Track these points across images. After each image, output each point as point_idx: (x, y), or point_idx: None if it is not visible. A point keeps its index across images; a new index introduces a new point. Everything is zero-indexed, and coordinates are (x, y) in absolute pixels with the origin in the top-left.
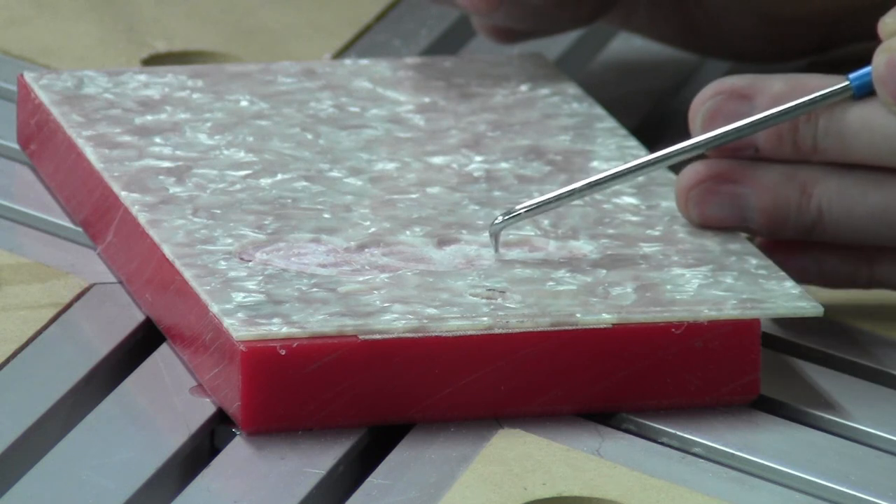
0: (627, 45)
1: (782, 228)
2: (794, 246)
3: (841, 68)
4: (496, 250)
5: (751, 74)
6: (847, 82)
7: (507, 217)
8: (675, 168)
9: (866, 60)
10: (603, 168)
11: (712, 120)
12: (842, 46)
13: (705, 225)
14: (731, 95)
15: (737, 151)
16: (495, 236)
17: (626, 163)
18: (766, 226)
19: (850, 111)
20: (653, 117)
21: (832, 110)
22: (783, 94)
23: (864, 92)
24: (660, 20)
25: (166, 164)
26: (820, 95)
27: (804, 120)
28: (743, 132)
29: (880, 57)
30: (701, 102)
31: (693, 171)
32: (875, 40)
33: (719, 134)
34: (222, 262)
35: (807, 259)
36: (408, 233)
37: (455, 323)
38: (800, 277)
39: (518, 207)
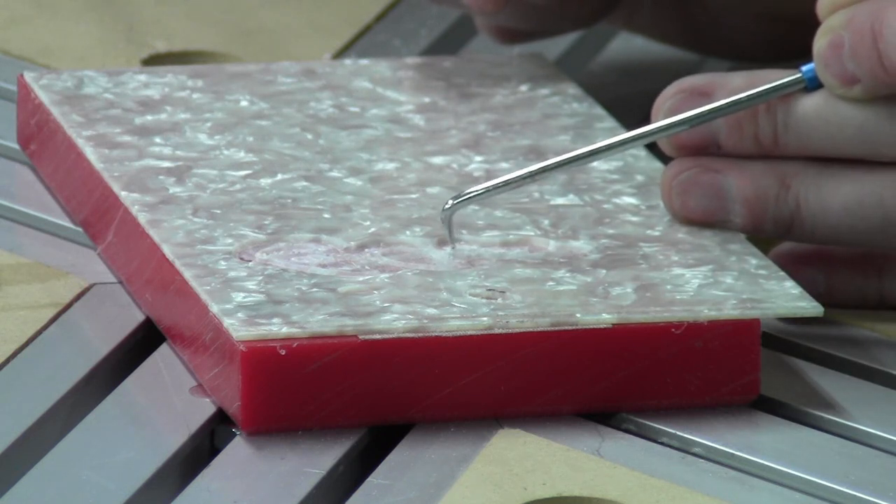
0: (628, 45)
1: (762, 221)
2: (802, 258)
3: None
4: (450, 237)
5: (711, 73)
6: (799, 74)
7: (456, 201)
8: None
9: None
10: (603, 168)
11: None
12: None
13: (689, 218)
14: (691, 93)
15: (700, 149)
16: (447, 222)
17: (629, 164)
18: (747, 218)
19: (804, 102)
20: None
21: (788, 103)
22: (741, 88)
23: (817, 83)
24: (662, 20)
25: (166, 164)
26: (773, 87)
27: (763, 114)
28: (703, 118)
29: (821, 40)
30: (663, 101)
31: (677, 162)
32: None
33: (678, 120)
34: (222, 262)
35: (815, 272)
36: (408, 233)
37: (455, 323)
38: (808, 292)
39: (468, 190)
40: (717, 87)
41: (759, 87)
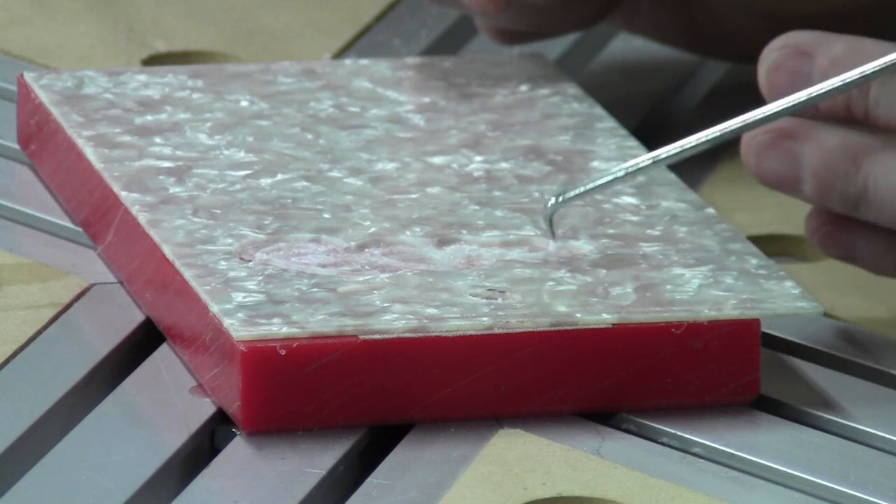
0: (628, 45)
1: (829, 197)
2: (846, 220)
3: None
4: (553, 236)
5: (817, 31)
6: None
7: (560, 199)
8: (676, 169)
9: None
10: (604, 168)
11: (776, 72)
12: None
13: (762, 178)
14: (794, 51)
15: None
16: (550, 220)
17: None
18: (815, 190)
19: None
20: (653, 117)
21: (886, 78)
22: (842, 55)
23: None
24: (663, 21)
25: (166, 164)
26: (877, 68)
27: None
28: (801, 105)
29: None
30: (767, 54)
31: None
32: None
33: (774, 112)
34: (222, 262)
35: (856, 235)
36: (408, 233)
37: (455, 323)
38: (846, 255)
39: (572, 190)
40: (819, 50)
41: (859, 55)
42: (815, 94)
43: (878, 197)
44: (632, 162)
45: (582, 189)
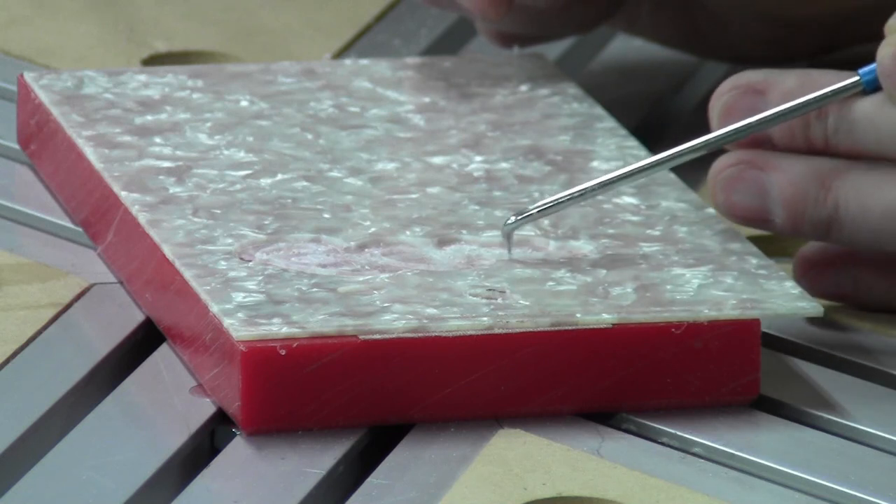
0: (627, 45)
1: (800, 223)
2: (829, 259)
3: (846, 70)
4: (509, 251)
5: (765, 70)
6: (857, 77)
7: (519, 218)
8: (676, 169)
9: (872, 59)
10: (604, 168)
11: (728, 114)
12: (846, 48)
13: (732, 215)
14: (745, 90)
15: (753, 143)
16: (508, 237)
17: (632, 163)
18: (787, 219)
19: (859, 106)
20: (652, 118)
21: (842, 106)
22: (795, 89)
23: (874, 87)
24: (663, 23)
25: (166, 164)
26: (830, 91)
27: (815, 115)
28: (753, 128)
29: (885, 50)
30: (718, 97)
31: (724, 157)
32: (880, 41)
33: (730, 131)
34: (222, 262)
35: (843, 275)
36: (408, 233)
37: (455, 323)
38: (834, 294)
39: (531, 208)
40: (770, 87)
41: (812, 87)
42: (766, 117)
43: (850, 217)
44: (588, 183)
45: (540, 206)
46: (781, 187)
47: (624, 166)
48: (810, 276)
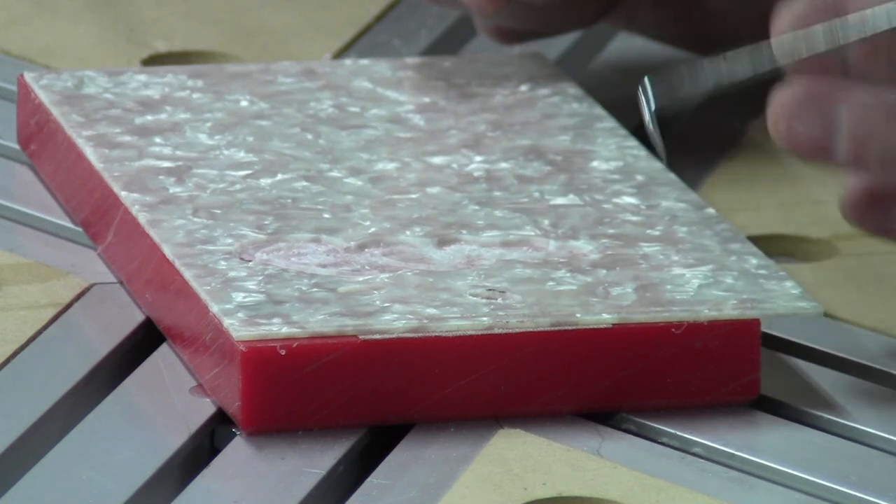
0: (627, 45)
1: (866, 160)
2: (886, 196)
3: None
4: (660, 150)
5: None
6: None
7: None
8: (676, 169)
9: None
10: (603, 168)
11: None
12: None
13: (793, 145)
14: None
15: (824, 68)
16: (656, 131)
17: (632, 162)
18: (852, 154)
19: None
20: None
21: None
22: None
23: None
24: (663, 21)
25: (166, 164)
26: None
27: None
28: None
29: None
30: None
31: (787, 87)
32: None
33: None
34: (222, 262)
35: (892, 214)
36: (408, 233)
37: (455, 323)
38: (888, 230)
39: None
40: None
41: None
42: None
43: None
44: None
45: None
46: (849, 117)
47: (624, 166)
48: (861, 210)
